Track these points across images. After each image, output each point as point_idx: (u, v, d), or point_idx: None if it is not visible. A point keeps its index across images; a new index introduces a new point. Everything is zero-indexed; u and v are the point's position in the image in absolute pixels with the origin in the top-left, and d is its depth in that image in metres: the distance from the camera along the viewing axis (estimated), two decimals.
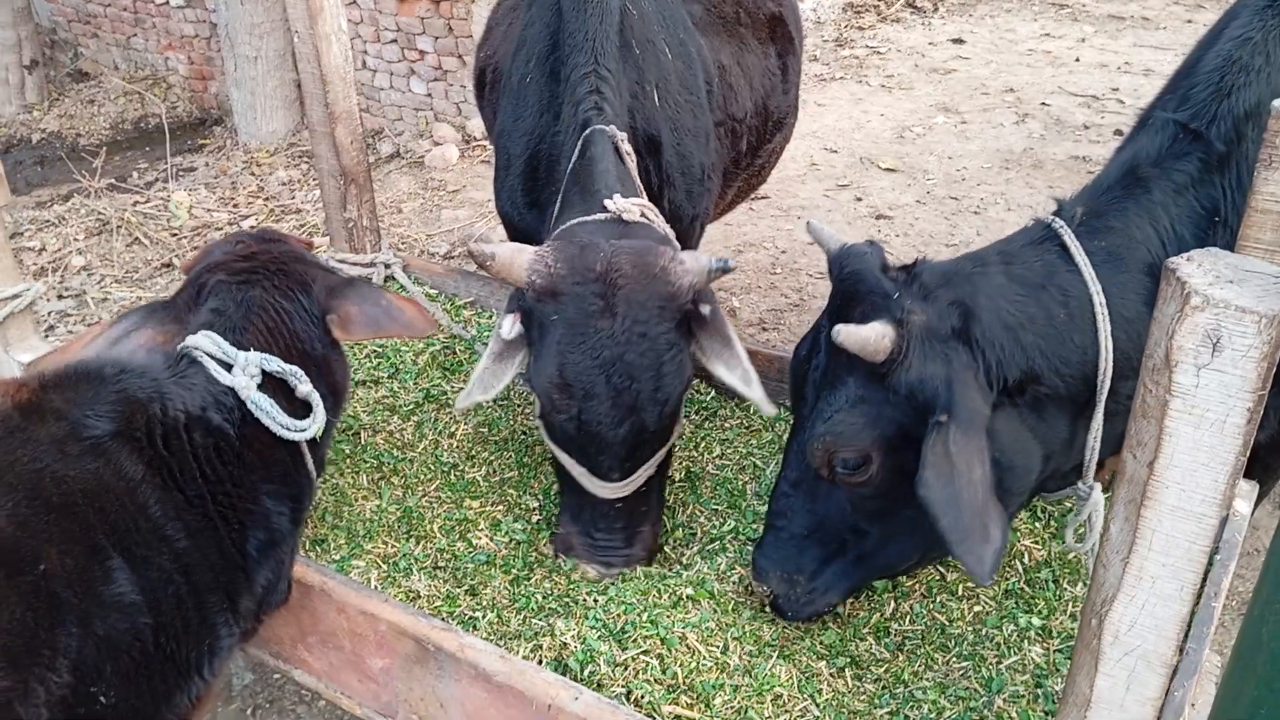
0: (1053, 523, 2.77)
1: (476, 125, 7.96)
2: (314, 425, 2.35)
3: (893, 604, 2.59)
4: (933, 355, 2.11)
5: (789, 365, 2.47)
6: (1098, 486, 2.28)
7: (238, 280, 2.44)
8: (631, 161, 2.81)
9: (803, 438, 2.33)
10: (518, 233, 3.24)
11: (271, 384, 2.31)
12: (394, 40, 8.20)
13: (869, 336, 2.07)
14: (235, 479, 2.25)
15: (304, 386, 2.36)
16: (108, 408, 2.10)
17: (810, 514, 2.41)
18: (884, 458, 2.21)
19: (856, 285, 2.24)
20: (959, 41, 10.37)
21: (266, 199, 7.42)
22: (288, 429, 2.29)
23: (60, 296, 6.15)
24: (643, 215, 2.65)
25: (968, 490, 1.99)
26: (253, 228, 2.82)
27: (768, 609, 2.55)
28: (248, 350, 2.29)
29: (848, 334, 2.07)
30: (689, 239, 3.30)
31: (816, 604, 2.48)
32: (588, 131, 2.77)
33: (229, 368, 2.24)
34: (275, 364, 2.31)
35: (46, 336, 5.53)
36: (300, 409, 2.37)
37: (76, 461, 2.01)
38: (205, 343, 2.24)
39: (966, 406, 2.06)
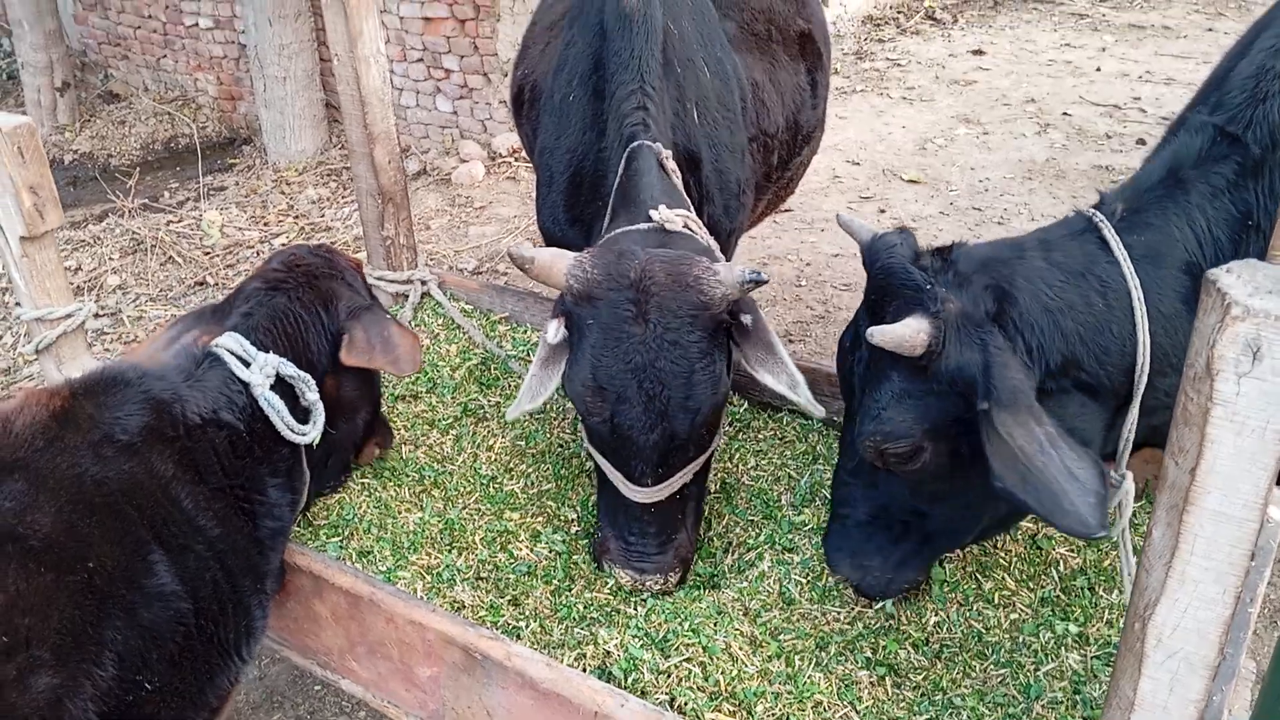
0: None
1: (502, 142, 8.05)
2: (313, 431, 2.57)
3: (930, 613, 2.62)
4: (968, 342, 2.13)
5: (835, 357, 2.52)
6: (1129, 475, 2.31)
7: (269, 288, 2.67)
8: (677, 177, 2.86)
9: (853, 432, 2.37)
10: (559, 248, 3.30)
11: (281, 388, 2.51)
12: (420, 59, 8.31)
13: (903, 334, 2.10)
14: (248, 472, 2.44)
15: (310, 395, 2.58)
16: (135, 409, 2.26)
17: (871, 501, 2.46)
18: (935, 445, 2.25)
19: (888, 280, 2.28)
20: (979, 53, 10.41)
21: (297, 217, 7.53)
22: (291, 430, 2.51)
23: (97, 315, 6.26)
24: (686, 226, 2.71)
25: (1037, 458, 2.00)
26: (320, 246, 2.95)
27: (851, 593, 2.63)
28: (267, 352, 2.50)
29: (882, 334, 2.11)
30: (725, 252, 3.36)
31: (896, 581, 2.53)
32: (632, 146, 2.83)
33: (248, 365, 2.45)
34: (290, 369, 2.53)
35: None
36: (303, 415, 2.58)
37: (113, 463, 2.16)
38: (230, 342, 2.47)
39: (1007, 386, 2.07)
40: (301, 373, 2.53)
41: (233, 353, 2.45)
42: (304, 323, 2.64)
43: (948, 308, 2.15)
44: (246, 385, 2.44)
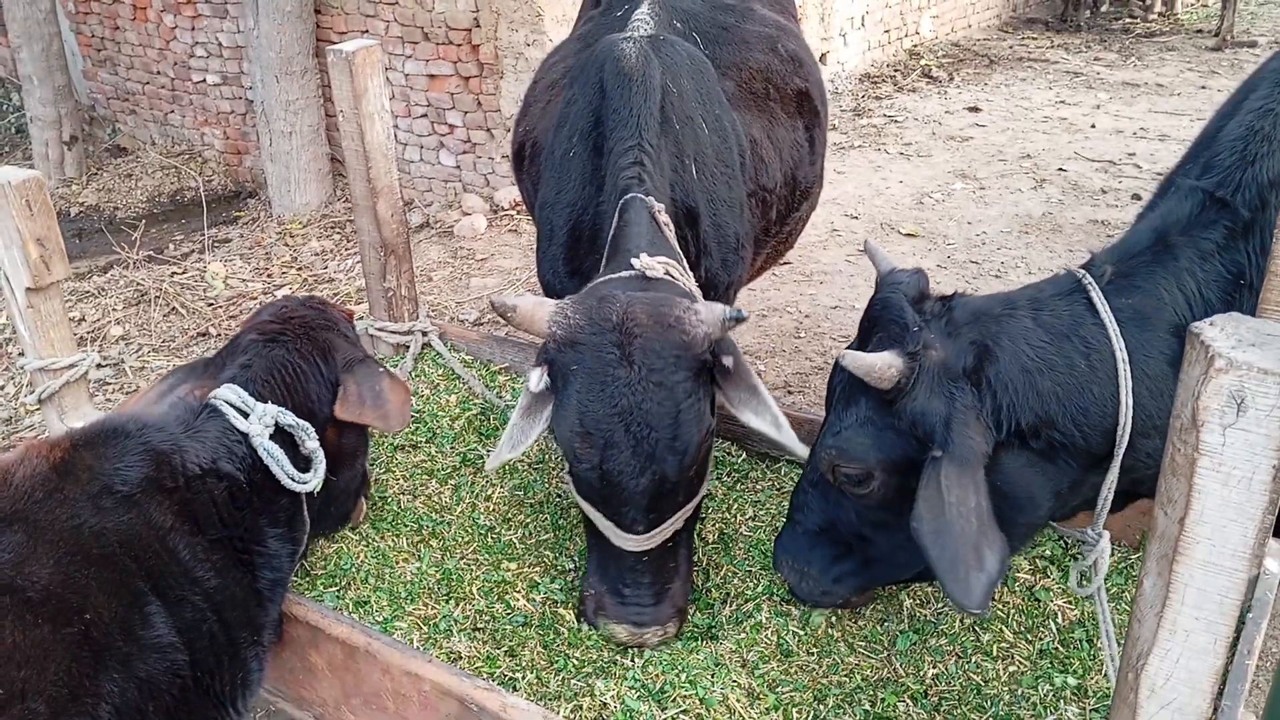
0: (1084, 582, 2.79)
1: (504, 196, 8.14)
2: (314, 479, 2.57)
3: (929, 665, 2.62)
4: (938, 391, 2.20)
5: (829, 378, 2.56)
6: (1106, 535, 2.33)
7: (266, 339, 2.68)
8: (670, 231, 2.90)
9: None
10: (542, 297, 3.34)
11: (281, 437, 2.52)
12: (424, 115, 8.44)
13: (874, 364, 2.18)
14: (247, 523, 2.44)
15: (310, 443, 2.58)
16: (135, 460, 2.27)
17: (822, 513, 2.54)
18: (886, 477, 2.32)
19: (881, 312, 2.38)
20: (975, 110, 10.54)
21: (300, 269, 7.59)
22: (292, 479, 2.51)
23: (99, 366, 6.29)
24: (667, 273, 2.74)
25: (959, 521, 2.07)
26: (311, 298, 2.98)
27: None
28: (266, 403, 2.50)
29: (853, 359, 2.18)
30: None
31: (827, 596, 2.63)
32: (624, 199, 2.88)
33: (246, 416, 2.46)
34: (289, 418, 2.53)
35: None
36: (304, 463, 2.58)
37: (111, 514, 2.17)
38: (228, 394, 2.48)
39: (962, 444, 2.14)
40: (301, 421, 2.54)
41: (231, 404, 2.46)
42: (303, 373, 2.66)
43: (929, 354, 2.22)
44: (246, 436, 2.45)
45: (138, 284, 7.30)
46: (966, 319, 2.31)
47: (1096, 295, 2.30)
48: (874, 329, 2.37)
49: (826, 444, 2.36)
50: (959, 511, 2.07)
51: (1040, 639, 2.66)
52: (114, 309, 6.99)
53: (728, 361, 2.61)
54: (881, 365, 2.17)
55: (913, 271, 2.44)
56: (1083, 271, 2.39)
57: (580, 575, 3.02)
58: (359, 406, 2.70)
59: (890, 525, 2.39)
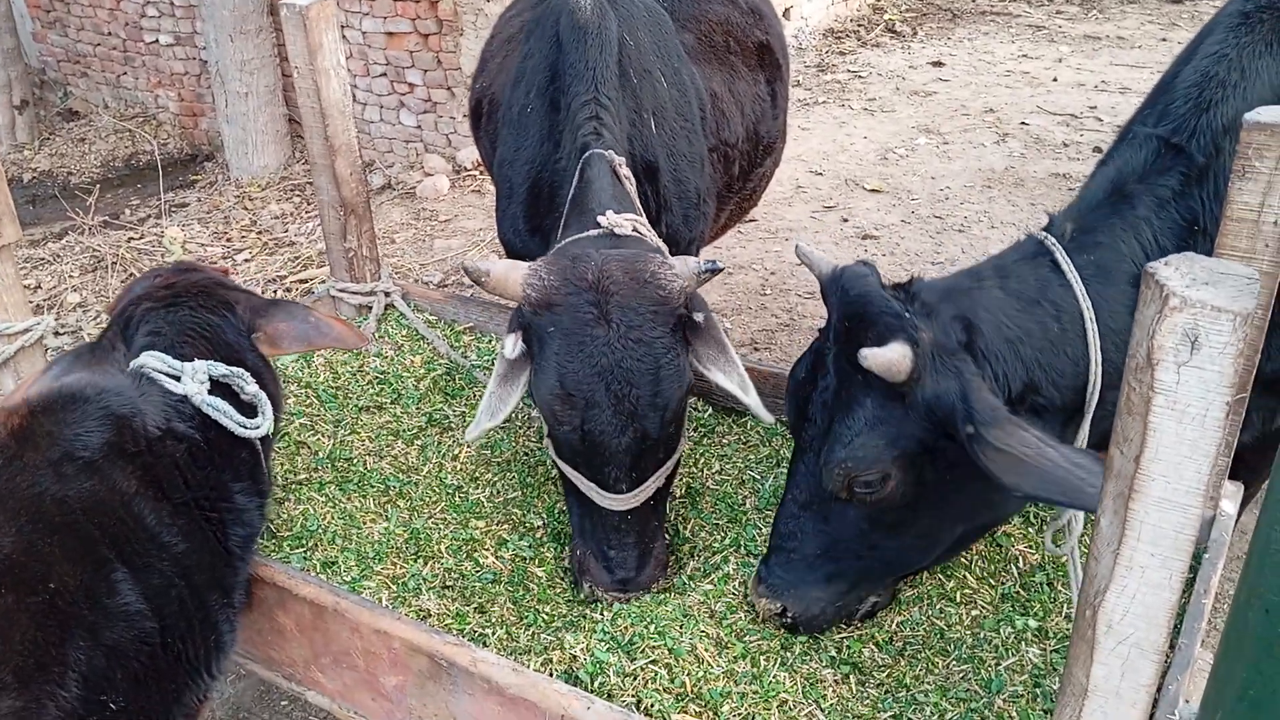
0: (1045, 528, 2.84)
1: (466, 156, 8.06)
2: (265, 423, 2.52)
3: (894, 612, 2.65)
4: (944, 370, 2.16)
5: (786, 387, 2.51)
6: None
7: (164, 305, 2.57)
8: (631, 185, 2.89)
9: (815, 461, 2.35)
10: (519, 259, 3.32)
11: (219, 390, 2.46)
12: (383, 74, 8.31)
13: (893, 358, 2.11)
14: (211, 481, 2.40)
15: (250, 387, 2.52)
16: (95, 425, 2.23)
17: (823, 535, 2.42)
18: (902, 473, 2.26)
19: (866, 307, 2.27)
20: (938, 64, 10.54)
21: (259, 233, 7.49)
22: (244, 427, 2.46)
23: (57, 334, 6.18)
24: (635, 230, 2.72)
25: (1043, 458, 2.00)
26: (181, 262, 2.89)
27: (779, 625, 2.56)
28: (192, 361, 2.43)
29: (874, 357, 2.11)
30: None
31: (834, 616, 2.52)
32: (585, 155, 2.85)
33: (178, 379, 2.38)
34: (221, 368, 2.47)
35: None
36: (248, 411, 2.53)
37: (74, 481, 2.13)
38: (152, 360, 2.38)
39: (986, 405, 2.10)
40: (234, 369, 2.49)
41: (159, 370, 2.38)
42: (216, 325, 2.58)
43: (922, 336, 2.18)
44: (185, 398, 2.39)
45: (94, 250, 7.18)
46: (937, 297, 2.29)
47: (1061, 256, 2.31)
48: (862, 326, 2.24)
49: (838, 458, 2.25)
50: (1034, 452, 2.01)
51: (1002, 583, 2.70)
52: (70, 276, 6.88)
53: (699, 318, 2.61)
54: (899, 358, 2.11)
55: (862, 264, 2.39)
56: (1044, 234, 2.39)
57: (549, 530, 3.04)
58: (302, 340, 2.64)
59: (903, 522, 2.34)
